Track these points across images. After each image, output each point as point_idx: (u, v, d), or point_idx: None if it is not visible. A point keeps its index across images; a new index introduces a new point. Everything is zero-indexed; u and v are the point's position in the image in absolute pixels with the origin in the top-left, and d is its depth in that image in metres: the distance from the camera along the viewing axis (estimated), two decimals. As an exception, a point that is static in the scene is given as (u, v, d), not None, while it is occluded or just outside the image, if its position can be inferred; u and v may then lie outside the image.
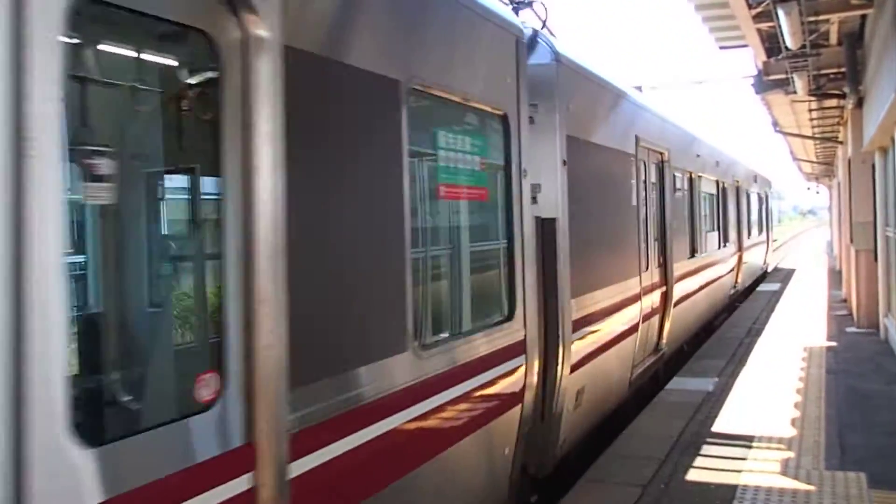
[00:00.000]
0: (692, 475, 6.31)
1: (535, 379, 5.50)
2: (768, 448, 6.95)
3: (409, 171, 3.97)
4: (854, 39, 12.31)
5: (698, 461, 6.66)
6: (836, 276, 24.66)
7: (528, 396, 5.40)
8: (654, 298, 9.26)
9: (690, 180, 12.36)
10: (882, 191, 12.94)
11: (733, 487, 5.96)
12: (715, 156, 15.07)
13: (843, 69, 13.11)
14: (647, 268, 8.94)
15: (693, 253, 12.21)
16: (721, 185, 15.64)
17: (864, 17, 11.39)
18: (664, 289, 9.88)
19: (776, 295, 20.36)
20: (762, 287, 23.07)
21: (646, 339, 8.94)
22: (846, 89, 13.35)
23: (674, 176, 10.81)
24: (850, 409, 8.26)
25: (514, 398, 5.22)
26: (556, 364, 6.00)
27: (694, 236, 12.44)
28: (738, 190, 18.15)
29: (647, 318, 8.83)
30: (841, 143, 20.12)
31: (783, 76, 13.83)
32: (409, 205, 3.95)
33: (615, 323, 7.61)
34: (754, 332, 13.85)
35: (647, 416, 8.30)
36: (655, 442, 7.22)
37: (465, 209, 5.20)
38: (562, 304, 6.06)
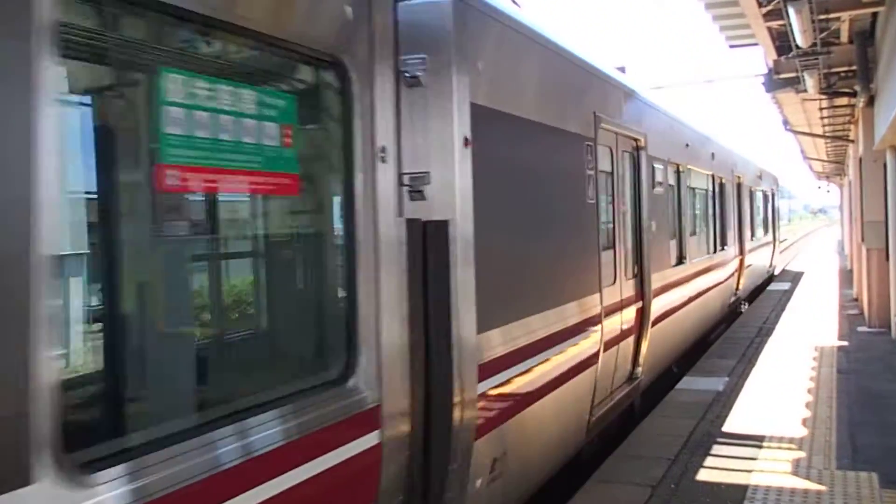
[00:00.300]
0: (702, 475, 6.29)
1: (403, 460, 3.86)
2: (779, 448, 6.92)
3: (61, 136, 2.37)
4: (865, 37, 12.25)
5: (708, 461, 6.64)
6: (847, 275, 24.58)
7: (390, 488, 3.79)
8: (624, 318, 7.63)
9: (677, 174, 10.63)
10: (894, 189, 12.90)
11: (744, 487, 5.94)
12: (710, 147, 13.31)
13: (854, 67, 13.05)
14: (612, 281, 7.31)
15: (680, 259, 10.56)
16: (718, 181, 14.03)
17: (875, 14, 11.34)
18: (640, 304, 8.18)
19: (786, 294, 20.29)
20: (772, 287, 22.98)
21: (611, 369, 7.27)
22: (857, 87, 13.28)
23: (653, 168, 8.94)
24: (862, 409, 8.22)
25: (359, 499, 3.63)
26: (449, 430, 4.19)
27: (681, 240, 10.72)
28: (739, 187, 16.58)
29: (611, 343, 7.13)
30: (852, 141, 20.05)
31: (794, 75, 13.78)
32: (48, 196, 2.18)
33: (559, 357, 5.84)
34: (764, 332, 13.80)
35: (657, 415, 8.28)
36: (665, 442, 7.20)
37: (243, 208, 3.69)
38: (458, 343, 4.23)
